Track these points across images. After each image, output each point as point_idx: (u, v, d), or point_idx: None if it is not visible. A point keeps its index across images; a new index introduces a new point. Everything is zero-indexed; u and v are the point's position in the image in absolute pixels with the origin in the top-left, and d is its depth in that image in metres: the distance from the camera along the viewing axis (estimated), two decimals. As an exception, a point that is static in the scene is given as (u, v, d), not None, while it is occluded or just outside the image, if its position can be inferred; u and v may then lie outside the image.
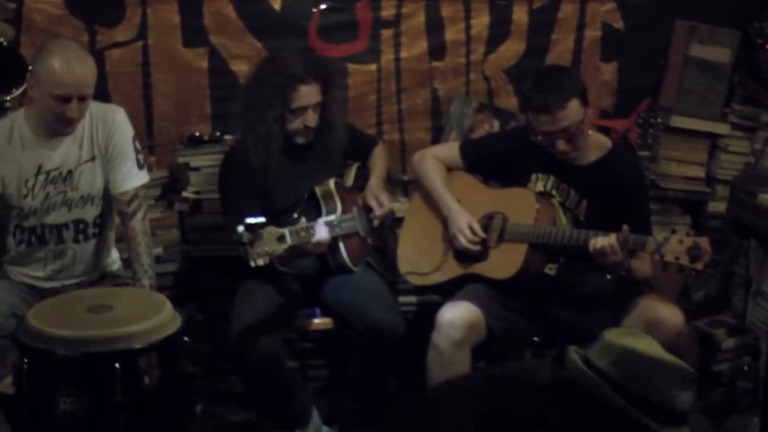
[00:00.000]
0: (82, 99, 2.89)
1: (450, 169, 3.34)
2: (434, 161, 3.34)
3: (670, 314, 2.93)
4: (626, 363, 1.89)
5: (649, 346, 1.94)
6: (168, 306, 2.72)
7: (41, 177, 3.00)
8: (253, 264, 2.76)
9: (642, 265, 3.01)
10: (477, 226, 3.16)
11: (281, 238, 2.82)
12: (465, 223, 3.16)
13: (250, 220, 2.72)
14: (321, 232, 3.02)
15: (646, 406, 1.86)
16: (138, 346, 2.54)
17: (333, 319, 3.32)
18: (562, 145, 3.03)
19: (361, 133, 3.61)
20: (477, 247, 3.15)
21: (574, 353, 1.98)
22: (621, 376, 1.88)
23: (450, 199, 3.24)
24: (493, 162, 3.29)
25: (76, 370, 2.53)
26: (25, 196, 3.00)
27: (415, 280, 3.32)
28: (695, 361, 3.61)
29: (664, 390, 1.87)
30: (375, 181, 3.43)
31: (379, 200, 3.34)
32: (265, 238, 2.75)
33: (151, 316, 2.62)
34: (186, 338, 2.70)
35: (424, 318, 3.22)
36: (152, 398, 2.57)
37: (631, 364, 1.89)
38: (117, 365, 2.49)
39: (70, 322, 2.61)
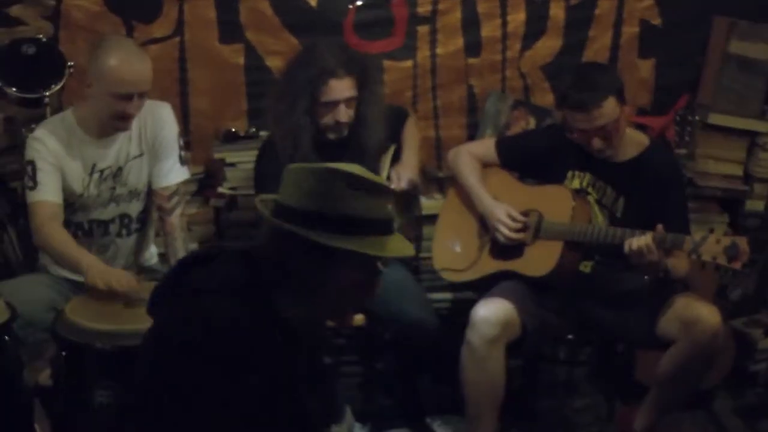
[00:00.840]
0: (141, 95, 2.91)
1: (485, 165, 3.32)
2: (470, 158, 3.32)
3: (708, 313, 2.90)
4: (301, 185, 1.86)
5: (336, 165, 1.88)
6: (203, 301, 2.73)
7: (95, 175, 3.04)
8: None
9: (679, 265, 2.98)
10: (516, 213, 3.14)
11: None
12: (503, 213, 3.14)
13: None
14: None
15: (322, 222, 1.82)
16: (173, 340, 2.55)
17: (365, 315, 3.33)
18: (597, 143, 3.01)
19: (391, 109, 3.43)
20: (521, 235, 3.13)
21: (259, 202, 1.95)
22: (296, 199, 1.85)
23: (485, 195, 3.23)
24: (529, 159, 3.27)
25: (113, 363, 2.56)
26: (80, 195, 3.04)
27: (450, 277, 3.32)
28: (731, 362, 3.58)
29: (336, 197, 1.82)
30: (405, 159, 3.33)
31: (399, 177, 3.24)
32: None
33: (186, 311, 2.64)
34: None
35: (459, 315, 3.21)
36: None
37: (304, 183, 1.86)
38: (153, 359, 2.51)
39: (107, 316, 2.63)
